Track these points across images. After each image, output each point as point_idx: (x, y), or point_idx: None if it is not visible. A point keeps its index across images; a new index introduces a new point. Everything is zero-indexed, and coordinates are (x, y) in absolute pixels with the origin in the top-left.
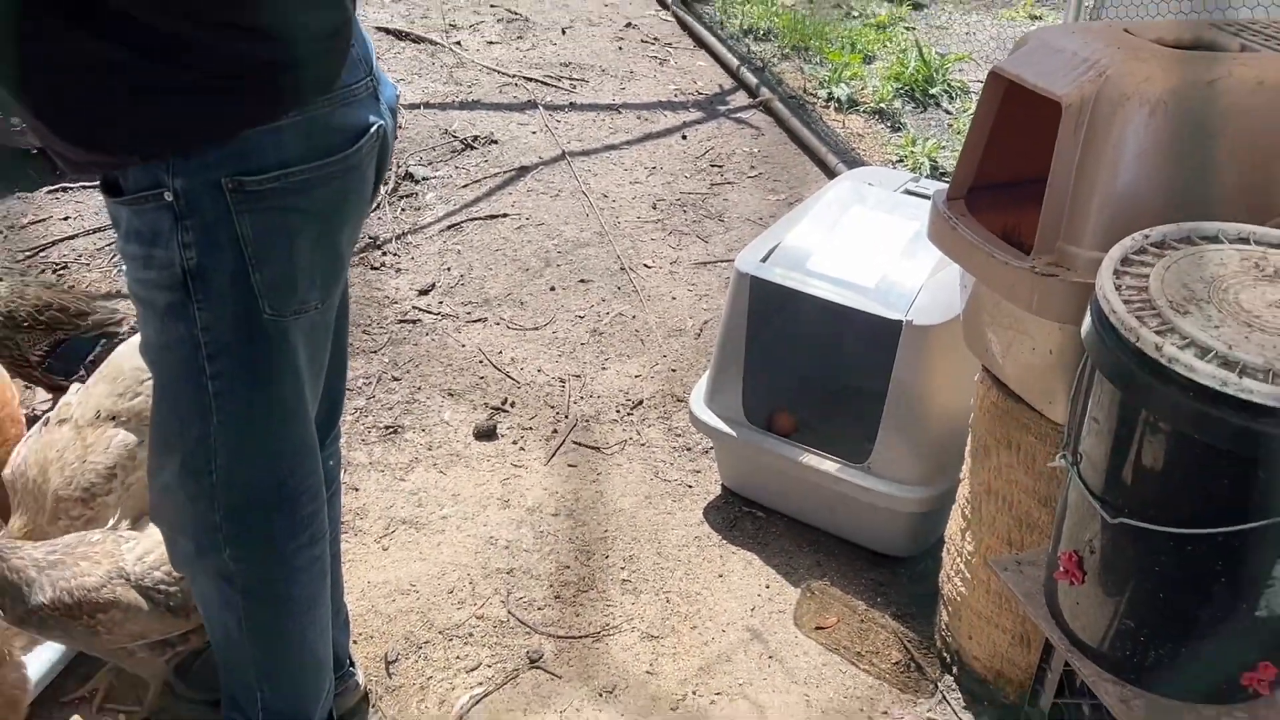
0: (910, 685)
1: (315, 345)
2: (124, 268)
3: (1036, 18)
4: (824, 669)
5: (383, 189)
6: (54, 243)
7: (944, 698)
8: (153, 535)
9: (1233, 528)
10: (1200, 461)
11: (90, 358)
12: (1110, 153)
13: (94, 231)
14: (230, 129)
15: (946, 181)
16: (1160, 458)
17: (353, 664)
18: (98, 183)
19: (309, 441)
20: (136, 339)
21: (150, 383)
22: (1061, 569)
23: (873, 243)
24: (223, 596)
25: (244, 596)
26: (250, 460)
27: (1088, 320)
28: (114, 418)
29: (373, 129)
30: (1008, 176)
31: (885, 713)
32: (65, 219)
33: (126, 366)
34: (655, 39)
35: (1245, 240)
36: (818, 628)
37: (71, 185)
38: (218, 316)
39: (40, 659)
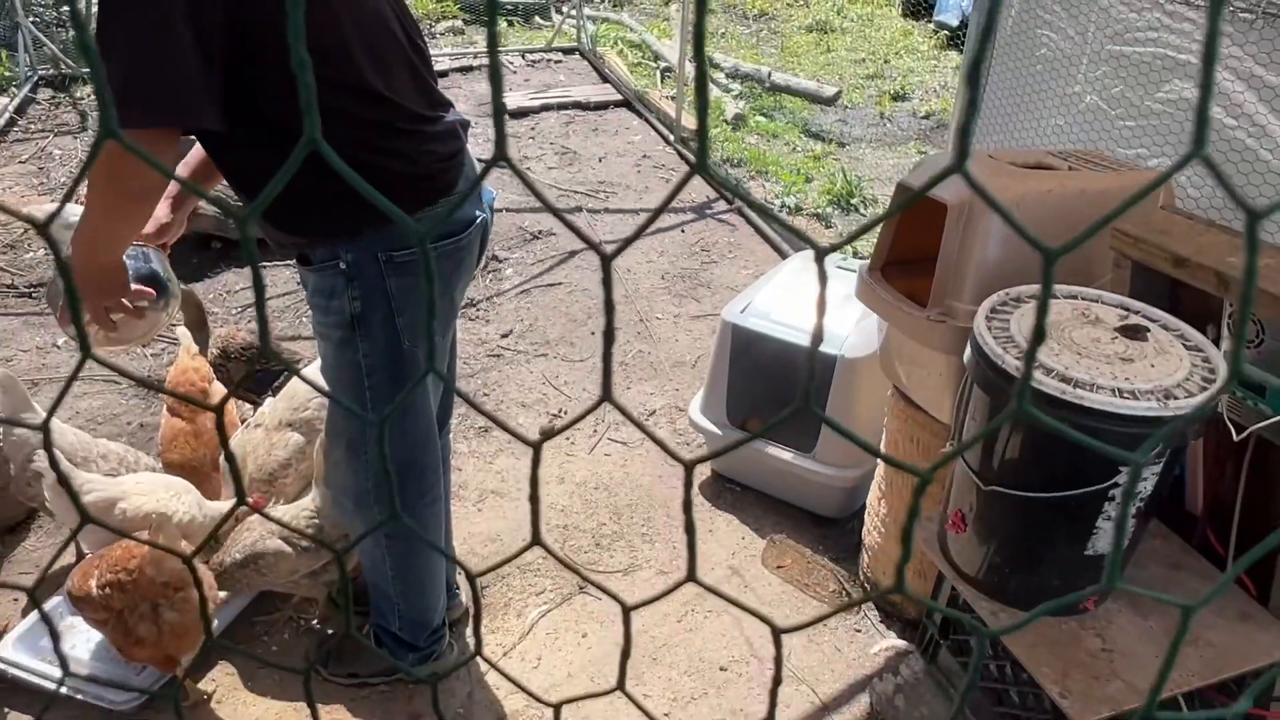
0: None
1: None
2: (309, 314)
3: (922, 151)
4: (782, 595)
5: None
6: (253, 304)
7: (866, 615)
8: (291, 505)
9: (1068, 492)
10: (1046, 447)
11: (275, 384)
12: (980, 238)
13: (281, 295)
14: (382, 222)
15: (864, 261)
16: (1018, 445)
17: (458, 588)
18: (292, 259)
19: (432, 431)
20: (313, 366)
21: (316, 401)
22: (950, 523)
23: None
24: (373, 539)
25: (388, 539)
26: (395, 447)
27: (968, 351)
28: (290, 425)
29: (478, 220)
30: (908, 255)
31: (825, 624)
32: (248, 289)
33: (300, 389)
34: (662, 165)
35: (1074, 297)
36: (778, 567)
37: (267, 264)
38: (374, 347)
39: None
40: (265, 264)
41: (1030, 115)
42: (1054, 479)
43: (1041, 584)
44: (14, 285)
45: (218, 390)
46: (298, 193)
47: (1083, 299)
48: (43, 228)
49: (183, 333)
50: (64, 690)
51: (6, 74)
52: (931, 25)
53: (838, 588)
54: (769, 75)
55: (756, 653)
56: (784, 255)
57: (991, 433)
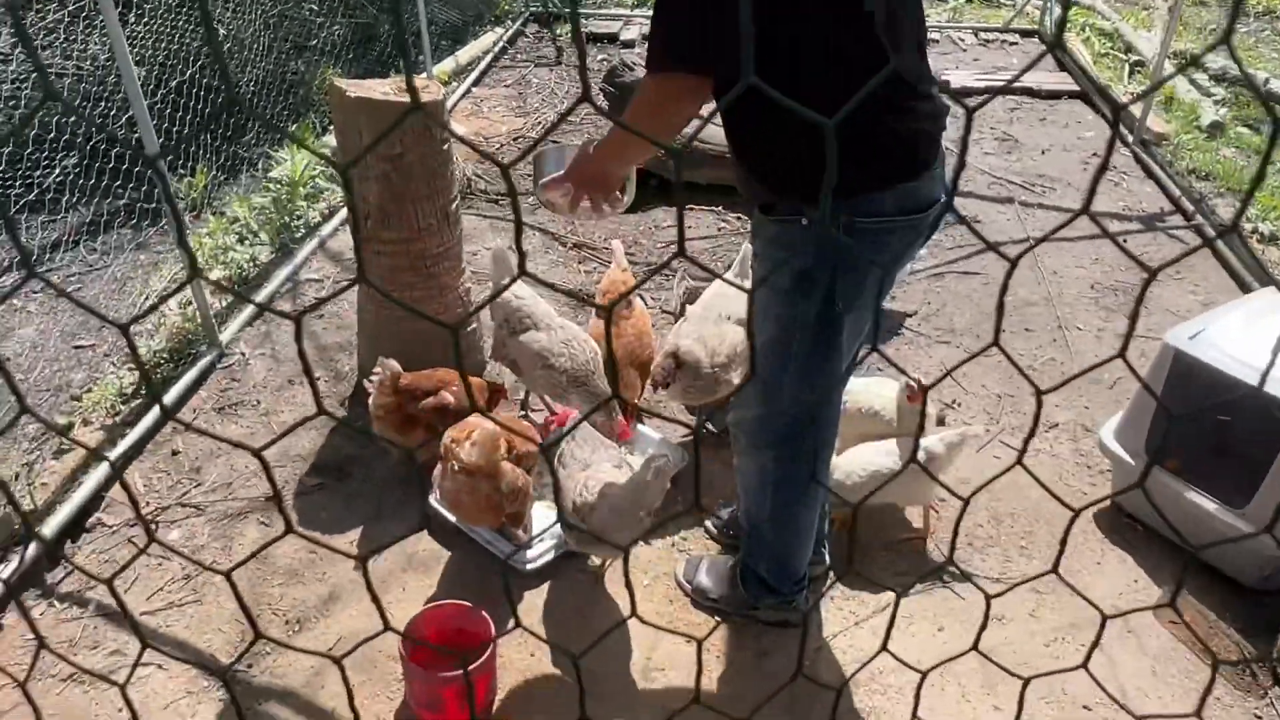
0: (1243, 685)
1: (854, 333)
2: (726, 259)
3: None
4: (1172, 652)
5: None
6: (674, 241)
7: (1273, 703)
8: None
9: None
10: None
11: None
12: None
13: (702, 238)
14: (855, 188)
15: None
16: None
17: (824, 547)
18: (754, 207)
19: (838, 393)
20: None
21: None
22: None
23: None
24: (760, 481)
25: (774, 483)
26: (802, 396)
27: None
28: (728, 317)
29: (938, 203)
30: None
31: (1218, 699)
32: (673, 226)
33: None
34: (1114, 167)
35: None
36: (1172, 621)
37: (693, 207)
38: (811, 302)
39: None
40: (691, 207)
41: None
42: None
43: None
44: (485, 191)
45: (638, 305)
46: (789, 155)
47: None
48: (505, 169)
49: (617, 246)
50: (483, 542)
51: (506, 7)
52: None
53: (1241, 660)
54: (1265, 82)
55: (1129, 702)
56: (1244, 286)
57: None
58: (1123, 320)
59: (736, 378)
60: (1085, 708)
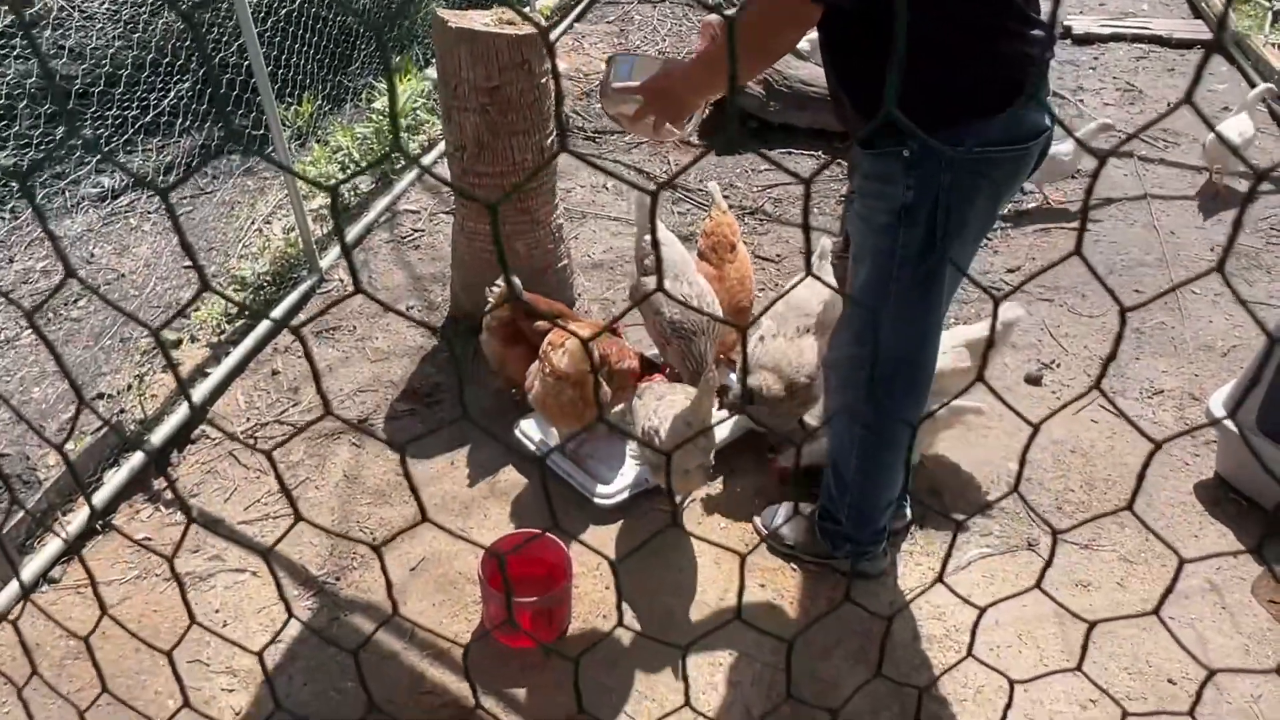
0: None
1: (955, 272)
2: (820, 206)
3: None
4: (1268, 633)
5: None
6: (772, 185)
7: None
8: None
9: None
10: None
11: None
12: None
13: (790, 183)
14: (956, 119)
15: None
16: None
17: (905, 501)
18: (856, 141)
19: (937, 333)
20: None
21: (817, 302)
22: None
23: None
24: (846, 425)
25: (863, 429)
26: (900, 339)
27: None
28: (809, 331)
29: (1044, 132)
30: None
31: None
32: (769, 170)
33: (801, 296)
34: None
35: None
36: (1271, 601)
37: (792, 150)
38: (912, 238)
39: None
40: (790, 150)
41: None
42: None
43: None
44: (582, 129)
45: (741, 249)
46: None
47: None
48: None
49: (714, 187)
50: (561, 471)
51: None
52: None
53: None
54: None
55: (1217, 683)
56: None
57: None
58: (1244, 285)
59: (818, 391)
60: (1170, 681)
